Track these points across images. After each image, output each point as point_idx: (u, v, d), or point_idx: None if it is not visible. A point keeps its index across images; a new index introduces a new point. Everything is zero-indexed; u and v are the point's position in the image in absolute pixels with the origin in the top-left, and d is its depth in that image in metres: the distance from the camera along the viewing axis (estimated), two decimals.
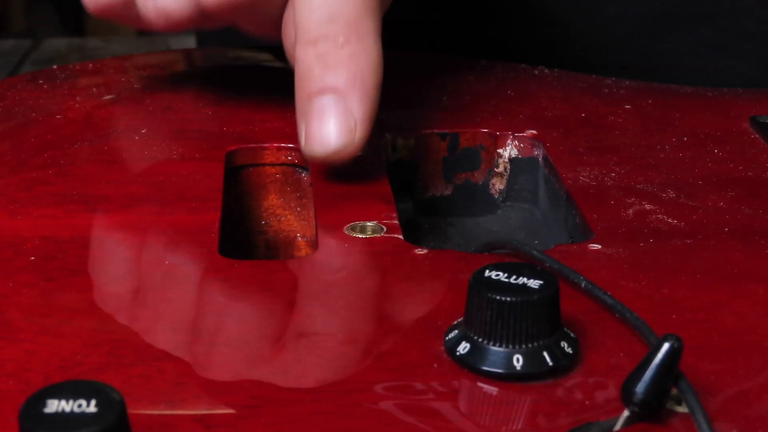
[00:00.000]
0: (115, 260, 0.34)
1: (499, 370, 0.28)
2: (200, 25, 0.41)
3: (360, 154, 0.38)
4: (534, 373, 0.28)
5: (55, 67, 0.51)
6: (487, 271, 0.29)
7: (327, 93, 0.37)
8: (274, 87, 0.49)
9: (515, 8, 0.56)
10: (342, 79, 0.37)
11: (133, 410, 0.25)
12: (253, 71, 0.50)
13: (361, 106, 0.37)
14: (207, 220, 0.37)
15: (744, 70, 0.55)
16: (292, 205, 0.43)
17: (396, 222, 0.37)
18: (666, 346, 0.26)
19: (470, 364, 0.29)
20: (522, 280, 0.29)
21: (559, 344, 0.29)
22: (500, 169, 0.45)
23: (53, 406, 0.24)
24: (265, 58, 0.53)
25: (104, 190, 0.39)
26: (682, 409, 0.27)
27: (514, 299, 0.28)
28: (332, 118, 0.36)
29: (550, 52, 0.56)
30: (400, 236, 0.36)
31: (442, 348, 0.30)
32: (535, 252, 0.33)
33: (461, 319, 0.30)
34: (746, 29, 0.55)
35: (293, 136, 0.43)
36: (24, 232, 0.36)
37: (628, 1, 0.54)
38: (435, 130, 0.44)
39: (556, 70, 0.51)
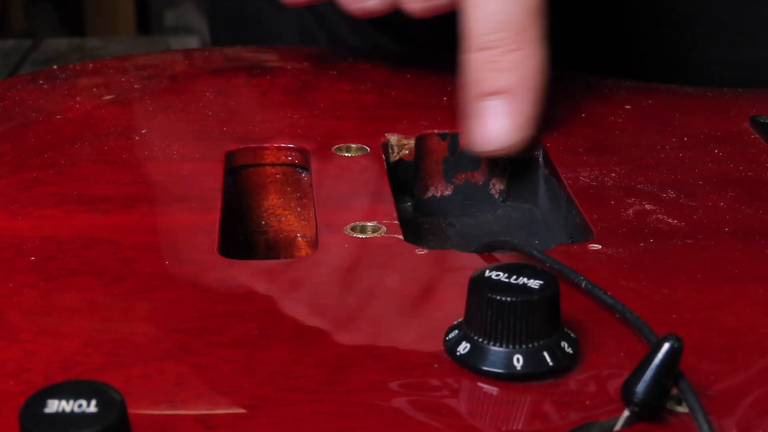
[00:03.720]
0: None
1: (500, 370, 0.28)
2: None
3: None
4: (534, 373, 0.28)
5: (55, 67, 0.51)
6: (487, 271, 0.29)
7: (497, 95, 0.40)
8: (274, 87, 0.49)
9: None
10: (511, 82, 0.40)
11: (133, 410, 0.25)
12: (253, 71, 0.50)
13: (529, 106, 0.40)
14: (207, 220, 0.37)
15: (751, 68, 0.55)
16: (293, 205, 0.43)
17: (396, 222, 0.37)
18: (666, 346, 0.26)
19: (470, 364, 0.29)
20: (522, 280, 0.29)
21: (560, 344, 0.29)
22: (500, 169, 0.45)
23: (53, 406, 0.24)
24: (265, 58, 0.53)
25: (104, 190, 0.39)
26: (682, 409, 0.27)
27: (514, 299, 0.28)
28: (504, 117, 0.40)
29: (558, 51, 0.56)
30: (400, 236, 0.36)
31: (443, 348, 0.30)
32: (535, 252, 0.33)
33: (461, 319, 0.30)
34: (752, 28, 0.55)
35: (293, 136, 0.43)
36: (24, 232, 0.36)
37: None
38: (435, 130, 0.44)
39: (556, 70, 0.51)
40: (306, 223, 0.42)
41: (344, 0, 0.46)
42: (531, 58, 0.40)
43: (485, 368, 0.28)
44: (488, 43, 0.40)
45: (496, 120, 0.40)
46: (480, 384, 0.28)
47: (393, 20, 0.56)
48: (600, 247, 0.36)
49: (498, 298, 0.28)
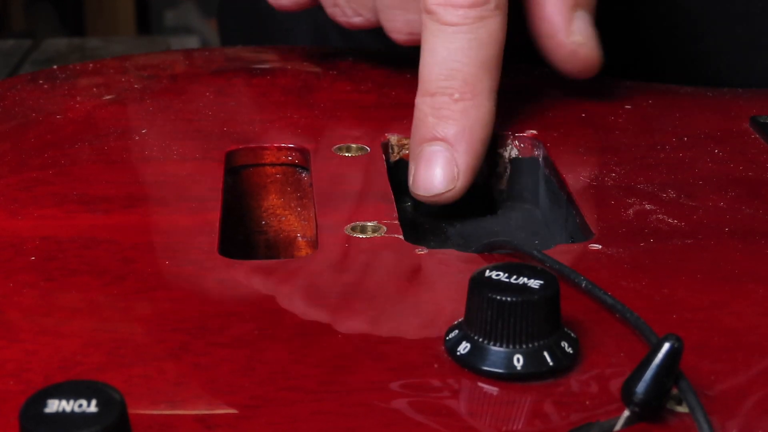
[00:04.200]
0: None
1: (500, 370, 0.28)
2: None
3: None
4: (534, 372, 0.28)
5: (55, 67, 0.51)
6: (487, 271, 0.29)
7: (437, 142, 0.40)
8: (274, 87, 0.49)
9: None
10: (452, 131, 0.40)
11: (133, 410, 0.25)
12: (253, 71, 0.50)
13: (466, 158, 0.40)
14: (207, 220, 0.37)
15: (751, 68, 0.55)
16: (293, 205, 0.43)
17: (396, 222, 0.37)
18: (666, 346, 0.26)
19: (471, 364, 0.29)
20: (522, 280, 0.29)
21: (560, 344, 0.29)
22: (500, 169, 0.45)
23: (54, 406, 0.24)
24: (265, 58, 0.53)
25: (104, 190, 0.39)
26: (682, 409, 0.27)
27: (514, 299, 0.28)
28: (438, 166, 0.40)
29: None
30: (400, 236, 0.36)
31: (443, 348, 0.30)
32: (535, 252, 0.33)
33: (461, 319, 0.30)
34: (754, 28, 0.55)
35: (293, 136, 0.43)
36: (24, 232, 0.36)
37: (662, 1, 0.54)
38: None
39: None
40: (306, 223, 0.42)
41: (331, 11, 0.47)
42: (476, 110, 0.40)
43: (485, 368, 0.28)
44: (435, 89, 0.40)
45: (432, 167, 0.40)
46: (480, 384, 0.28)
47: None
48: (600, 247, 0.36)
49: (498, 298, 0.28)
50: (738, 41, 0.55)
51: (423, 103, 0.40)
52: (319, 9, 0.48)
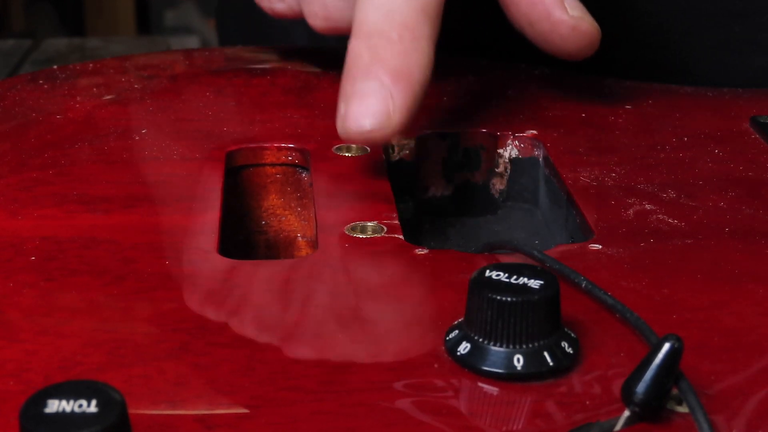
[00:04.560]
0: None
1: (500, 370, 0.28)
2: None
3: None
4: (534, 373, 0.28)
5: (55, 67, 0.51)
6: (487, 271, 0.29)
7: (372, 79, 0.38)
8: (274, 87, 0.49)
9: None
10: (389, 70, 0.38)
11: (133, 410, 0.25)
12: (253, 71, 0.50)
13: (403, 97, 0.38)
14: (207, 220, 0.37)
15: (752, 68, 0.55)
16: (293, 205, 0.43)
17: (396, 222, 0.37)
18: (666, 346, 0.26)
19: (471, 364, 0.29)
20: (522, 280, 0.29)
21: (560, 344, 0.29)
22: (500, 169, 0.45)
23: (54, 406, 0.24)
24: (265, 58, 0.53)
25: (104, 190, 0.39)
26: (682, 409, 0.27)
27: (514, 299, 0.28)
28: (372, 101, 0.37)
29: None
30: (400, 236, 0.36)
31: (443, 348, 0.30)
32: (535, 252, 0.33)
33: (462, 319, 0.30)
34: (755, 28, 0.55)
35: (293, 136, 0.43)
36: (24, 232, 0.36)
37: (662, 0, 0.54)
38: (435, 130, 0.44)
39: (556, 70, 0.51)
40: (306, 223, 0.42)
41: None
42: (415, 54, 0.38)
43: (485, 368, 0.28)
44: (372, 30, 0.38)
45: (365, 102, 0.37)
46: (480, 384, 0.28)
47: None
48: (600, 247, 0.36)
49: (498, 298, 0.28)
50: (737, 41, 0.55)
51: (358, 45, 0.38)
52: None
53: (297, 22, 0.66)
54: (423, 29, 0.38)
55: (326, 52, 0.54)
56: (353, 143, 0.39)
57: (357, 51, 0.38)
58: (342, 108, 0.38)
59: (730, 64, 0.56)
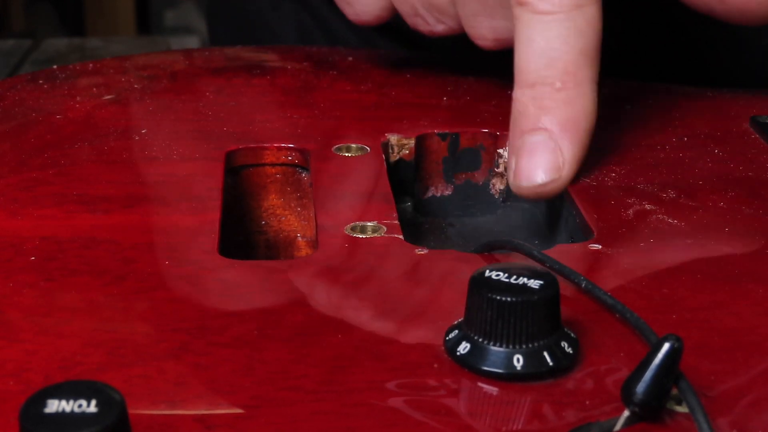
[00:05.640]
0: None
1: (500, 370, 0.28)
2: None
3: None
4: (534, 373, 0.28)
5: (55, 67, 0.51)
6: (487, 271, 0.29)
7: (539, 132, 0.38)
8: (274, 87, 0.49)
9: None
10: (555, 121, 0.38)
11: (133, 410, 0.25)
12: (253, 71, 0.50)
13: (571, 148, 0.38)
14: (207, 220, 0.37)
15: (752, 68, 0.55)
16: (293, 205, 0.43)
17: (396, 222, 0.37)
18: (666, 346, 0.26)
19: (470, 364, 0.29)
20: (522, 280, 0.29)
21: (560, 344, 0.29)
22: (501, 169, 0.45)
23: (53, 406, 0.24)
24: (265, 58, 0.53)
25: (104, 190, 0.39)
26: (682, 409, 0.27)
27: (514, 299, 0.28)
28: (542, 156, 0.38)
29: None
30: (400, 236, 0.36)
31: (443, 348, 0.30)
32: (535, 252, 0.33)
33: (461, 319, 0.30)
34: (755, 28, 0.55)
35: (293, 136, 0.43)
36: (24, 232, 0.36)
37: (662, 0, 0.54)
38: (435, 130, 0.44)
39: None
40: (306, 223, 0.42)
41: (412, 21, 0.46)
42: (580, 100, 0.38)
43: (485, 368, 0.28)
44: (535, 79, 0.38)
45: (536, 157, 0.38)
46: (480, 384, 0.28)
47: (392, 21, 0.56)
48: (600, 247, 0.36)
49: (498, 298, 0.28)
50: (737, 41, 0.55)
51: (522, 95, 0.39)
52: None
53: (285, 23, 0.66)
54: (585, 73, 0.39)
55: (326, 52, 0.54)
56: (525, 198, 0.39)
57: (522, 102, 0.39)
58: (512, 163, 0.39)
59: (732, 66, 0.56)
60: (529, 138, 0.38)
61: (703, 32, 0.56)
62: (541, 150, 0.38)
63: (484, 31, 0.43)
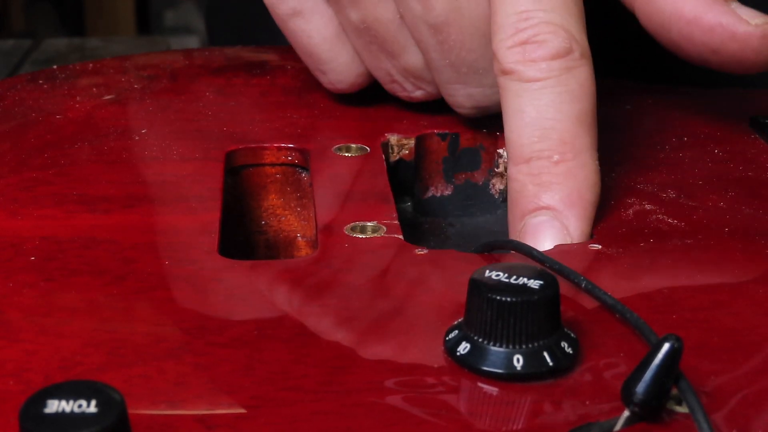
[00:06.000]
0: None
1: (500, 370, 0.28)
2: None
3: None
4: (534, 373, 0.28)
5: (55, 67, 0.51)
6: (487, 271, 0.29)
7: (542, 211, 0.36)
8: (274, 87, 0.49)
9: None
10: (557, 197, 0.36)
11: (133, 410, 0.25)
12: (253, 71, 0.50)
13: (578, 224, 0.36)
14: (207, 220, 0.37)
15: None
16: (292, 205, 0.43)
17: (396, 222, 0.37)
18: (666, 346, 0.26)
19: (470, 364, 0.29)
20: (522, 280, 0.29)
21: (560, 344, 0.29)
22: (500, 169, 0.45)
23: (53, 406, 0.24)
24: (265, 58, 0.53)
25: (104, 190, 0.39)
26: (682, 409, 0.27)
27: (514, 299, 0.28)
28: (548, 238, 0.36)
29: None
30: (400, 236, 0.36)
31: (442, 348, 0.30)
32: (534, 252, 0.33)
33: (461, 319, 0.30)
34: None
35: (293, 136, 0.43)
36: (24, 232, 0.36)
37: None
38: (435, 130, 0.44)
39: None
40: (306, 223, 0.42)
41: (390, 87, 0.45)
42: (581, 170, 0.36)
43: (485, 368, 0.28)
44: (530, 153, 0.36)
45: (541, 240, 0.35)
46: (480, 384, 0.28)
47: None
48: (600, 247, 0.36)
49: (498, 298, 0.28)
50: None
51: (518, 172, 0.36)
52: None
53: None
54: (583, 140, 0.36)
55: None
56: None
57: (519, 181, 0.36)
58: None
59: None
60: (531, 219, 0.36)
61: None
62: (547, 231, 0.36)
63: (460, 99, 0.42)
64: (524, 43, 0.36)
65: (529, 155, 0.36)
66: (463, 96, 0.42)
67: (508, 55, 0.36)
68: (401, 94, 0.45)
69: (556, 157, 0.36)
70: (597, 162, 0.37)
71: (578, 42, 0.37)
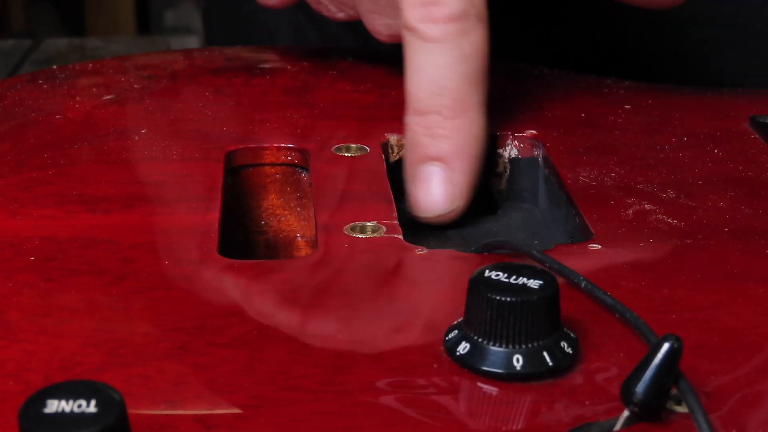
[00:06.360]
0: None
1: (499, 370, 0.28)
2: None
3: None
4: (534, 373, 0.28)
5: (55, 67, 0.51)
6: (487, 271, 0.29)
7: (433, 161, 0.39)
8: (274, 87, 0.49)
9: (521, 7, 0.56)
10: (447, 149, 0.39)
11: (133, 410, 0.25)
12: (253, 71, 0.50)
13: (464, 176, 0.39)
14: (207, 220, 0.37)
15: (752, 68, 0.55)
16: (292, 205, 0.43)
17: (396, 222, 0.37)
18: (666, 346, 0.26)
19: (470, 364, 0.29)
20: (522, 280, 0.29)
21: (559, 344, 0.29)
22: (500, 169, 0.45)
23: (53, 406, 0.24)
24: (265, 58, 0.53)
25: (104, 190, 0.39)
26: (682, 409, 0.27)
27: (514, 299, 0.28)
28: (437, 185, 0.39)
29: (557, 51, 0.56)
30: (400, 236, 0.36)
31: (442, 348, 0.30)
32: (534, 252, 0.33)
33: (461, 319, 0.30)
34: (755, 28, 0.55)
35: (293, 136, 0.43)
36: (24, 232, 0.36)
37: None
38: None
39: (555, 70, 0.51)
40: (306, 223, 0.42)
41: (316, 8, 0.47)
42: (469, 126, 0.39)
43: (485, 368, 0.28)
44: (426, 108, 0.39)
45: (430, 187, 0.39)
46: (479, 384, 0.28)
47: None
48: (600, 247, 0.36)
49: (498, 298, 0.28)
50: (712, 40, 0.55)
51: (415, 123, 0.40)
52: (301, 7, 0.49)
53: (280, 23, 0.67)
54: (473, 98, 0.39)
55: (326, 52, 0.54)
56: (426, 222, 0.40)
57: (415, 131, 0.40)
58: (410, 191, 0.40)
59: (706, 67, 0.56)
60: (423, 167, 0.39)
61: (703, 32, 0.56)
62: (436, 181, 0.39)
63: (378, 27, 0.45)
64: (427, 3, 0.39)
65: (424, 109, 0.39)
66: (381, 25, 0.45)
67: (412, 11, 0.39)
68: (326, 13, 0.48)
69: (448, 113, 0.39)
70: (485, 118, 0.40)
71: (475, 5, 0.39)
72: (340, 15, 0.47)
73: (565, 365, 0.29)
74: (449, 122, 0.39)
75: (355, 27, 0.61)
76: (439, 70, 0.39)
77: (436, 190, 0.39)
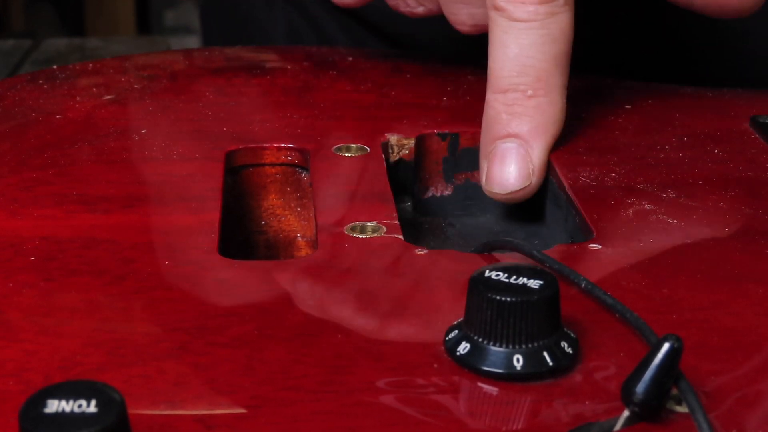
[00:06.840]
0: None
1: (499, 370, 0.28)
2: None
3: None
4: (534, 373, 0.28)
5: (55, 67, 0.51)
6: (487, 271, 0.29)
7: (511, 138, 0.40)
8: (274, 87, 0.49)
9: None
10: (526, 128, 0.40)
11: (133, 410, 0.25)
12: (253, 71, 0.50)
13: (540, 154, 0.40)
14: (207, 220, 0.37)
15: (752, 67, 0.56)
16: (292, 205, 0.43)
17: (396, 222, 0.37)
18: (666, 346, 0.26)
19: (470, 364, 0.29)
20: (522, 280, 0.29)
21: (559, 344, 0.29)
22: None
23: (53, 406, 0.24)
24: (265, 58, 0.53)
25: (104, 190, 0.39)
26: (682, 409, 0.27)
27: (514, 299, 0.28)
28: (513, 162, 0.40)
29: None
30: (400, 236, 0.36)
31: (442, 348, 0.30)
32: (534, 252, 0.33)
33: (461, 319, 0.30)
34: (752, 27, 0.55)
35: (293, 136, 0.43)
36: (24, 232, 0.36)
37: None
38: (435, 130, 0.44)
39: None
40: (306, 223, 0.42)
41: (393, 3, 0.47)
42: (550, 107, 0.40)
43: (485, 368, 0.28)
44: (508, 86, 0.40)
45: (506, 163, 0.40)
46: (480, 384, 0.28)
47: (380, 21, 0.56)
48: (600, 247, 0.36)
49: (498, 298, 0.28)
50: (734, 41, 0.55)
51: (495, 100, 0.40)
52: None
53: (276, 23, 0.67)
54: (556, 80, 0.40)
55: (326, 52, 0.54)
56: (498, 200, 0.41)
57: (494, 107, 0.40)
58: (484, 166, 0.40)
59: (728, 67, 0.56)
60: (501, 144, 0.40)
61: (703, 32, 0.56)
62: (513, 157, 0.40)
63: (462, 17, 0.44)
64: None
65: (506, 86, 0.40)
66: (465, 15, 0.44)
67: None
68: (404, 9, 0.47)
69: (530, 92, 0.40)
70: (565, 100, 0.41)
71: None
72: (420, 10, 0.46)
73: (565, 365, 0.29)
74: (530, 101, 0.40)
75: (351, 28, 0.61)
76: (525, 49, 0.39)
77: (512, 167, 0.40)
